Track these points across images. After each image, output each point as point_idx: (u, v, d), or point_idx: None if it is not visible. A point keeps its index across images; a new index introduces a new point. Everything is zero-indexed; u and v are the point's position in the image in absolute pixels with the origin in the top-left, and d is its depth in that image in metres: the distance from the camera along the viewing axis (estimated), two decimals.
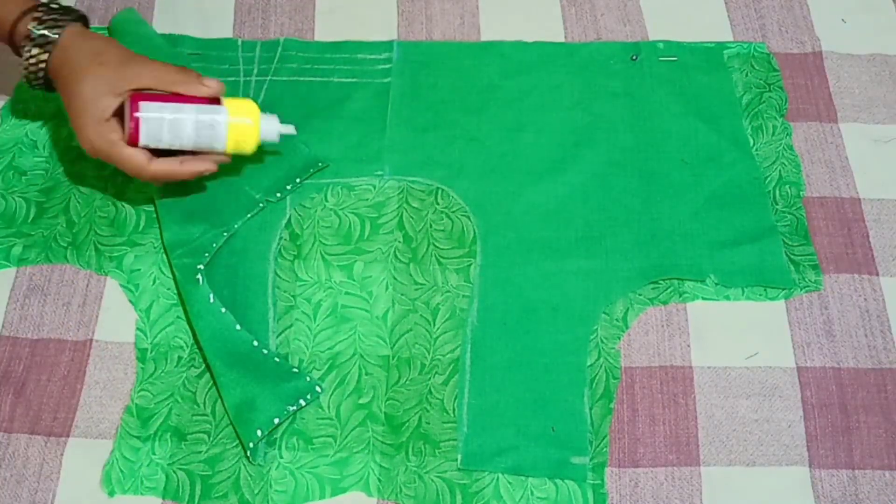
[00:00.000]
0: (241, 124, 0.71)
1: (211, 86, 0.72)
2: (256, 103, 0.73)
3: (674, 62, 0.86)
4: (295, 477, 0.66)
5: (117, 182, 0.79)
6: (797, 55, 0.87)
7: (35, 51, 0.72)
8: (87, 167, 0.79)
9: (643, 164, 0.80)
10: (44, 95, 0.83)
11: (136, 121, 0.69)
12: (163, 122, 0.69)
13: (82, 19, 0.74)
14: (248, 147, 0.73)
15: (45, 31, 0.72)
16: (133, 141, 0.69)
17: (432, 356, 0.70)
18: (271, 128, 0.73)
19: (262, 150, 0.76)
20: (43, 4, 0.73)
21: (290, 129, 0.75)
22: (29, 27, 0.71)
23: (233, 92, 0.83)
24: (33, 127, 0.82)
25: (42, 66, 0.72)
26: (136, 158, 0.70)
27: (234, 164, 0.78)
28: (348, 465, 0.66)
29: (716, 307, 0.73)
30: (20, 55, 0.73)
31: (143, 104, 0.69)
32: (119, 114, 0.70)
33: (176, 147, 0.71)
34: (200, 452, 0.67)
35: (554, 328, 0.71)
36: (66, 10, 0.73)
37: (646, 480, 0.66)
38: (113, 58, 0.71)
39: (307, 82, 0.85)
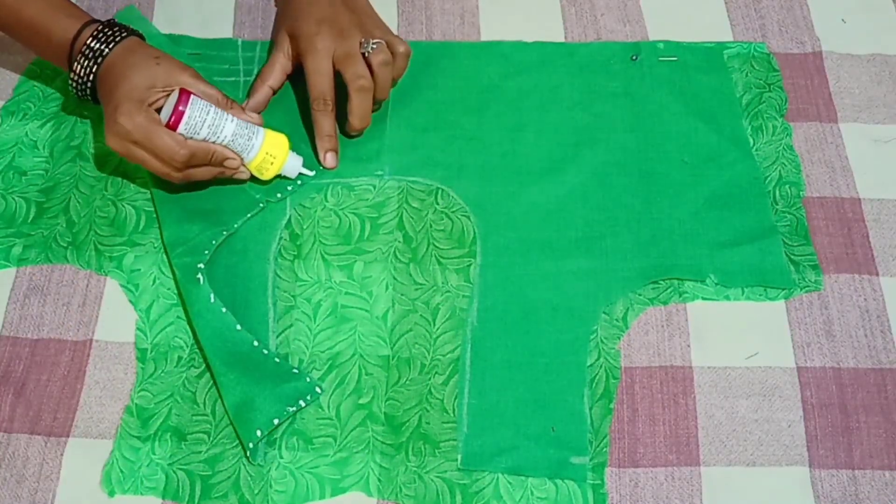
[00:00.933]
0: (273, 146, 0.75)
1: (252, 117, 0.76)
2: (289, 142, 0.76)
3: (674, 62, 0.86)
4: (295, 477, 0.66)
5: (117, 182, 0.79)
6: (797, 55, 0.87)
7: (86, 62, 0.73)
8: (87, 167, 0.79)
9: (643, 164, 0.80)
10: (44, 95, 0.83)
11: (182, 108, 0.71)
12: (206, 116, 0.71)
13: (139, 35, 0.76)
14: (270, 172, 0.76)
15: (101, 46, 0.73)
16: (173, 125, 0.71)
17: (432, 356, 0.70)
18: (294, 165, 0.77)
19: (274, 179, 0.77)
20: (101, 22, 0.74)
21: (309, 172, 0.78)
22: (86, 42, 0.73)
23: (233, 92, 0.83)
24: (33, 127, 0.82)
25: (91, 74, 0.73)
26: (171, 138, 0.71)
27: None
28: (348, 465, 0.66)
29: (716, 307, 0.73)
30: (71, 68, 0.74)
31: (191, 97, 0.72)
32: (161, 110, 0.72)
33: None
34: (200, 452, 0.67)
35: (554, 328, 0.71)
36: (124, 28, 0.75)
37: (646, 480, 0.66)
38: (169, 62, 0.73)
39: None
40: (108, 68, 0.73)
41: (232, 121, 0.73)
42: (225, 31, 0.89)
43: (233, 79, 0.84)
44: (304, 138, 0.80)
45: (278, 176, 0.77)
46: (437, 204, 0.78)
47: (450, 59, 0.86)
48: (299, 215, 0.77)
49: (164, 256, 0.75)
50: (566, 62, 0.86)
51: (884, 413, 0.68)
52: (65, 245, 0.75)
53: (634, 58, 0.86)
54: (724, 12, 0.90)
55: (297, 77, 0.82)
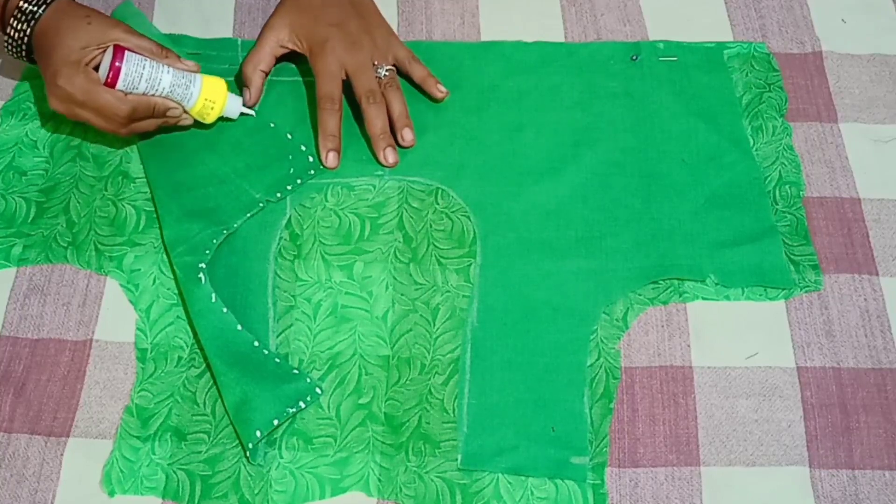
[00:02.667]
0: (211, 91, 0.77)
1: (188, 65, 0.77)
2: (226, 83, 0.78)
3: (674, 62, 0.86)
4: (295, 477, 0.66)
5: (117, 182, 0.79)
6: (797, 55, 0.87)
7: (19, 25, 0.75)
8: (87, 167, 0.79)
9: (643, 164, 0.80)
10: (44, 95, 0.83)
11: (118, 64, 0.73)
12: (142, 70, 0.73)
13: None
14: (211, 116, 0.78)
15: (33, 7, 0.75)
16: (111, 83, 0.73)
17: (432, 356, 0.70)
18: (234, 105, 0.79)
19: (219, 121, 0.79)
20: None
21: (250, 112, 0.80)
22: (18, 4, 0.75)
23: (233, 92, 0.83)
24: (33, 127, 0.82)
25: (25, 36, 0.75)
26: (112, 95, 0.73)
27: (232, 162, 0.78)
28: (348, 465, 0.66)
29: (716, 307, 0.73)
30: (4, 31, 0.76)
31: (126, 52, 0.73)
32: (98, 68, 0.74)
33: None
34: (200, 452, 0.67)
35: (554, 328, 0.71)
36: None
37: (646, 480, 0.66)
38: (100, 19, 0.75)
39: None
40: (41, 31, 0.74)
41: (168, 72, 0.75)
42: (225, 31, 0.89)
43: (233, 79, 0.84)
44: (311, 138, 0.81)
45: (221, 118, 0.79)
46: (437, 204, 0.78)
47: (450, 59, 0.86)
48: (299, 215, 0.77)
49: (165, 256, 0.75)
50: (566, 62, 0.86)
51: (884, 413, 0.68)
52: (65, 245, 0.75)
53: (634, 58, 0.86)
54: (724, 12, 0.90)
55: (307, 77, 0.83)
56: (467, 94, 0.84)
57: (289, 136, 0.80)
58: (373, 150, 0.80)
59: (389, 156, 0.79)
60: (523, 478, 0.66)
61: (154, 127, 0.78)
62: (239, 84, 0.83)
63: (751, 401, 0.69)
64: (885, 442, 0.67)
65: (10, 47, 0.77)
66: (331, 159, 0.79)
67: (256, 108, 0.81)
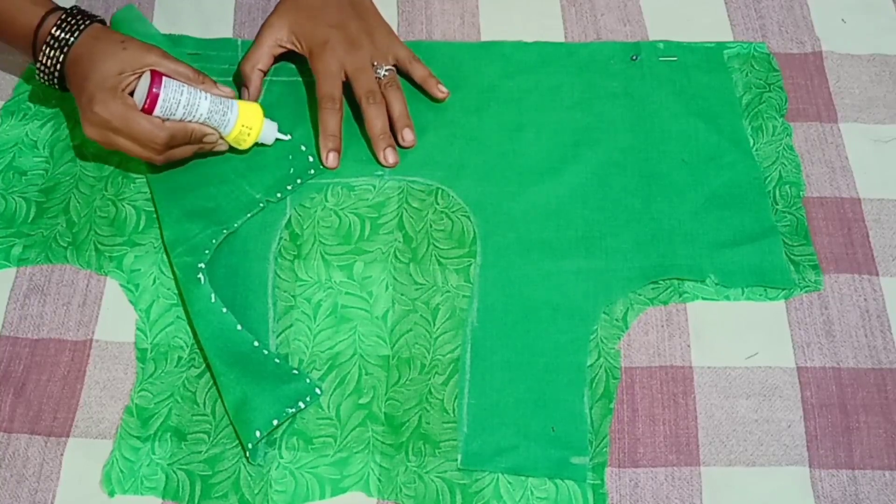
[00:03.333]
0: (248, 117, 0.76)
1: (224, 90, 0.77)
2: (263, 110, 0.78)
3: (674, 62, 0.86)
4: (295, 477, 0.66)
5: (117, 182, 0.79)
6: (797, 55, 0.87)
7: (52, 52, 0.73)
8: (87, 167, 0.79)
9: (643, 164, 0.80)
10: (44, 96, 0.83)
11: (156, 90, 0.71)
12: (181, 96, 0.72)
13: (102, 22, 0.76)
14: (247, 142, 0.77)
15: (66, 35, 0.73)
16: (149, 109, 0.72)
17: (432, 356, 0.70)
18: (270, 131, 0.78)
19: (254, 147, 0.79)
20: (63, 9, 0.75)
21: (286, 137, 0.79)
22: (51, 31, 0.73)
23: None
24: (33, 127, 0.82)
25: (58, 63, 0.74)
26: (149, 122, 0.72)
27: (232, 162, 0.78)
28: (348, 465, 0.66)
29: (716, 307, 0.73)
30: (36, 58, 0.75)
31: (164, 78, 0.72)
32: (133, 93, 0.73)
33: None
34: (200, 452, 0.67)
35: (554, 328, 0.71)
36: (87, 16, 0.75)
37: (646, 480, 0.66)
38: (136, 45, 0.74)
39: (307, 82, 0.85)
40: (75, 58, 0.73)
41: (206, 98, 0.74)
42: (225, 31, 0.89)
43: (230, 78, 0.84)
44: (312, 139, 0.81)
45: (256, 143, 0.78)
46: (437, 204, 0.78)
47: (450, 59, 0.86)
48: (299, 215, 0.77)
49: (164, 256, 0.75)
50: (566, 62, 0.86)
51: (884, 413, 0.68)
52: (65, 245, 0.75)
53: (634, 58, 0.86)
54: (724, 12, 0.90)
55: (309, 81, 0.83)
56: (467, 94, 0.84)
57: (289, 137, 0.80)
58: (373, 151, 0.80)
59: (389, 156, 0.79)
60: (523, 478, 0.66)
61: (190, 153, 0.76)
62: (237, 83, 0.83)
63: (751, 401, 0.69)
64: (885, 442, 0.67)
65: (42, 75, 0.75)
66: (331, 159, 0.79)
67: (289, 136, 0.80)
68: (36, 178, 0.79)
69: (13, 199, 0.78)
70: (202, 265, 0.71)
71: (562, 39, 0.88)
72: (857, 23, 0.89)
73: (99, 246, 0.75)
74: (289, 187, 0.78)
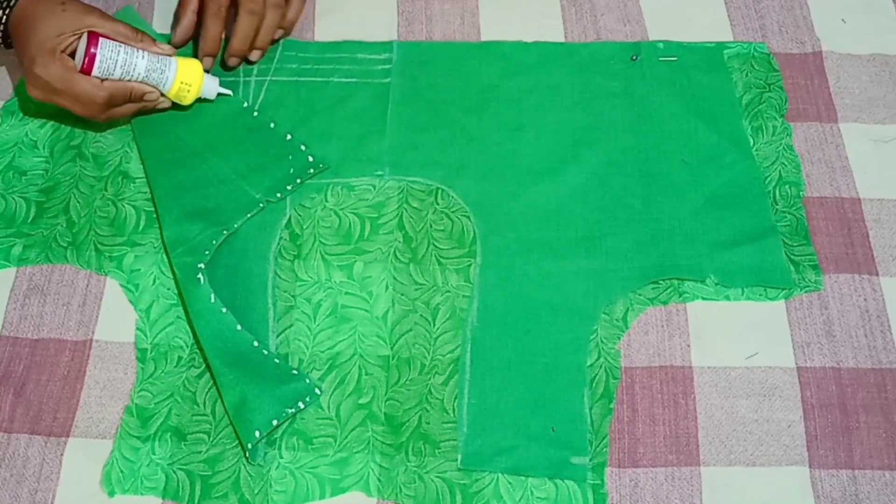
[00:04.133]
0: (187, 74, 0.78)
1: (163, 48, 0.78)
2: (202, 65, 0.80)
3: (674, 62, 0.86)
4: (295, 477, 0.66)
5: (117, 182, 0.79)
6: (797, 55, 0.87)
7: None
8: (87, 167, 0.79)
9: (643, 164, 0.80)
10: None
11: (93, 51, 0.74)
12: (118, 56, 0.74)
13: None
14: (188, 98, 0.79)
15: None
16: (87, 70, 0.74)
17: (432, 356, 0.70)
18: (212, 86, 0.80)
19: (197, 102, 0.81)
20: None
21: (228, 92, 0.81)
22: None
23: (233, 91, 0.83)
24: (33, 127, 0.82)
25: (1, 24, 0.76)
26: (88, 82, 0.74)
27: (232, 162, 0.78)
28: (348, 465, 0.66)
29: (716, 307, 0.73)
30: None
31: (101, 39, 0.74)
32: (74, 53, 0.75)
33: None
34: (200, 452, 0.67)
35: (554, 328, 0.71)
36: None
37: (646, 480, 0.66)
38: (75, 6, 0.76)
39: (307, 82, 0.85)
40: (17, 19, 0.75)
41: (143, 57, 0.76)
42: None
43: (233, 79, 0.84)
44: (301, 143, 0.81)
45: (199, 99, 0.80)
46: (437, 204, 0.78)
47: (450, 59, 0.86)
48: (299, 215, 0.77)
49: (164, 256, 0.75)
50: (566, 62, 0.86)
51: (884, 413, 0.68)
52: (65, 245, 0.75)
53: (634, 58, 0.86)
54: (724, 12, 0.90)
55: None
56: (467, 94, 0.84)
57: (288, 137, 0.80)
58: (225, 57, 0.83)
59: (232, 63, 0.83)
60: (523, 478, 0.66)
61: (132, 112, 0.79)
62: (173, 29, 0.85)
63: (751, 401, 0.69)
64: (885, 442, 0.67)
65: None
66: (206, 63, 0.81)
67: (231, 91, 0.82)
68: (36, 178, 0.79)
69: (13, 199, 0.78)
70: (202, 265, 0.71)
71: (562, 39, 0.88)
72: (857, 23, 0.89)
73: (99, 246, 0.75)
74: (289, 187, 0.78)
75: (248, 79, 0.85)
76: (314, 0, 0.91)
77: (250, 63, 0.84)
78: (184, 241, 0.73)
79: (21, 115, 0.82)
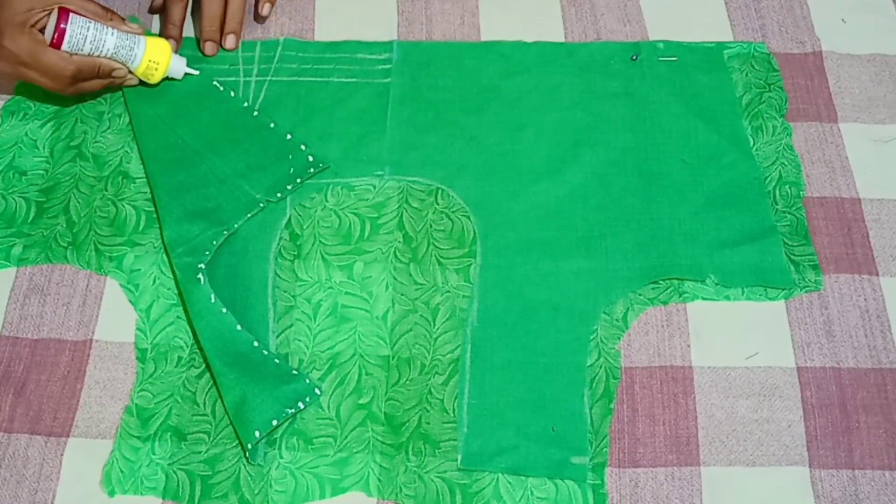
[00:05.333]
0: (155, 52, 0.80)
1: (132, 27, 0.80)
2: (171, 45, 0.82)
3: (674, 62, 0.86)
4: (295, 477, 0.66)
5: (117, 182, 0.79)
6: (797, 55, 0.87)
7: None
8: (87, 167, 0.79)
9: (643, 164, 0.80)
10: (44, 95, 0.83)
11: (63, 26, 0.75)
12: (87, 31, 0.76)
13: None
14: (156, 77, 0.81)
15: None
16: (56, 44, 0.76)
17: (432, 356, 0.70)
18: (179, 66, 0.82)
19: (165, 80, 0.82)
20: None
21: (195, 72, 0.83)
22: None
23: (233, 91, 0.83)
24: (33, 127, 0.82)
25: None
26: (57, 56, 0.76)
27: (232, 162, 0.78)
28: (348, 465, 0.66)
29: (716, 307, 0.73)
30: None
31: (71, 14, 0.76)
32: (44, 29, 0.76)
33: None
34: (200, 452, 0.67)
35: (554, 328, 0.71)
36: None
37: (646, 480, 0.66)
38: None
39: (307, 82, 0.85)
40: None
41: (113, 34, 0.78)
42: None
43: (233, 78, 0.85)
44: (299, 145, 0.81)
45: (166, 78, 0.82)
46: (437, 204, 0.78)
47: (450, 59, 0.86)
48: (299, 215, 0.77)
49: (164, 256, 0.75)
50: (566, 62, 0.86)
51: (884, 413, 0.68)
52: (65, 245, 0.75)
53: (634, 58, 0.86)
54: (724, 12, 0.90)
55: None
56: (467, 94, 0.84)
57: (288, 136, 0.80)
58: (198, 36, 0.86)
59: (208, 48, 0.85)
60: (523, 478, 0.66)
61: (100, 87, 0.80)
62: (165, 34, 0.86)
63: (751, 401, 0.69)
64: (885, 442, 0.67)
65: None
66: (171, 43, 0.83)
67: (198, 70, 0.84)
68: (36, 178, 0.79)
69: (13, 199, 0.78)
70: (202, 265, 0.71)
71: (562, 39, 0.88)
72: (857, 23, 0.89)
73: (99, 246, 0.75)
74: (289, 187, 0.78)
75: (248, 79, 0.85)
76: (314, 0, 0.91)
77: (228, 50, 0.86)
78: (184, 242, 0.73)
79: (21, 115, 0.82)
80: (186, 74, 0.83)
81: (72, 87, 0.78)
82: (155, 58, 0.79)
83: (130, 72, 0.80)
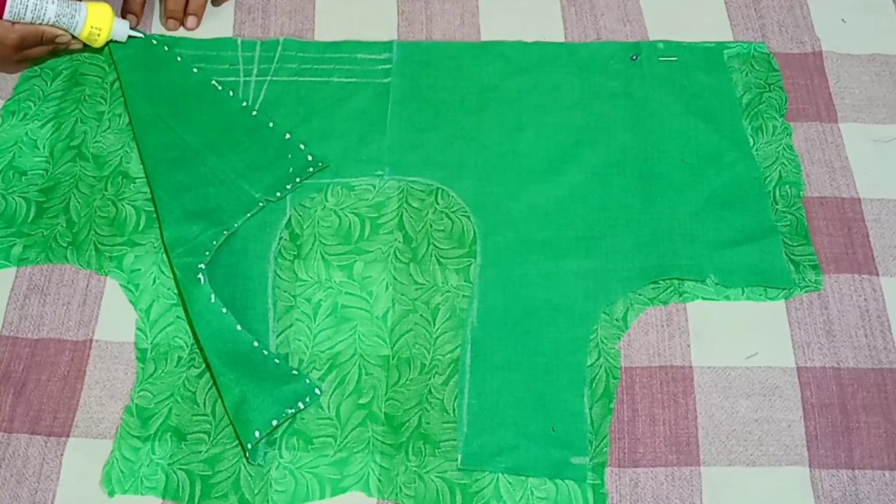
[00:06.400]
0: (97, 19, 0.82)
1: None
2: (112, 9, 0.83)
3: (674, 62, 0.86)
4: (295, 477, 0.66)
5: (117, 182, 0.79)
6: (797, 55, 0.87)
7: None
8: (87, 167, 0.79)
9: (643, 164, 0.80)
10: (44, 95, 0.83)
11: None
12: (28, 0, 0.78)
13: None
14: (100, 41, 0.83)
15: None
16: None
17: (432, 356, 0.70)
18: (122, 30, 0.84)
19: (108, 43, 0.84)
20: None
21: (139, 34, 0.85)
22: None
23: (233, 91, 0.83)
24: (33, 127, 0.82)
25: None
26: (1, 25, 0.78)
27: (231, 162, 0.78)
28: (348, 465, 0.66)
29: (716, 307, 0.73)
30: None
31: None
32: None
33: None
34: (200, 452, 0.67)
35: (554, 328, 0.71)
36: None
37: (646, 480, 0.66)
38: None
39: (307, 82, 0.85)
40: None
41: (53, 2, 0.80)
42: (225, 30, 0.89)
43: (233, 78, 0.85)
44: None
45: (111, 41, 0.84)
46: (437, 204, 0.78)
47: (450, 59, 0.86)
48: (299, 215, 0.77)
49: (164, 256, 0.75)
50: (566, 62, 0.86)
51: (884, 413, 0.68)
52: (65, 245, 0.75)
53: (634, 58, 0.86)
54: (724, 12, 0.90)
55: None
56: (467, 94, 0.84)
57: (287, 136, 0.80)
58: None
59: (170, 25, 0.88)
60: (523, 478, 0.66)
61: (44, 53, 0.83)
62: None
63: (751, 401, 0.69)
64: (885, 442, 0.67)
65: None
66: (132, 21, 0.86)
67: (143, 34, 0.85)
68: (36, 178, 0.79)
69: (13, 199, 0.78)
70: (202, 266, 0.71)
71: (562, 39, 0.88)
72: (857, 23, 0.89)
73: (99, 246, 0.75)
74: (288, 186, 0.78)
75: (248, 79, 0.85)
76: (314, 0, 0.91)
77: (188, 30, 0.88)
78: (184, 242, 0.73)
79: (21, 114, 0.83)
80: (130, 37, 0.85)
81: (17, 55, 0.81)
82: (97, 23, 0.82)
83: (74, 37, 0.82)
